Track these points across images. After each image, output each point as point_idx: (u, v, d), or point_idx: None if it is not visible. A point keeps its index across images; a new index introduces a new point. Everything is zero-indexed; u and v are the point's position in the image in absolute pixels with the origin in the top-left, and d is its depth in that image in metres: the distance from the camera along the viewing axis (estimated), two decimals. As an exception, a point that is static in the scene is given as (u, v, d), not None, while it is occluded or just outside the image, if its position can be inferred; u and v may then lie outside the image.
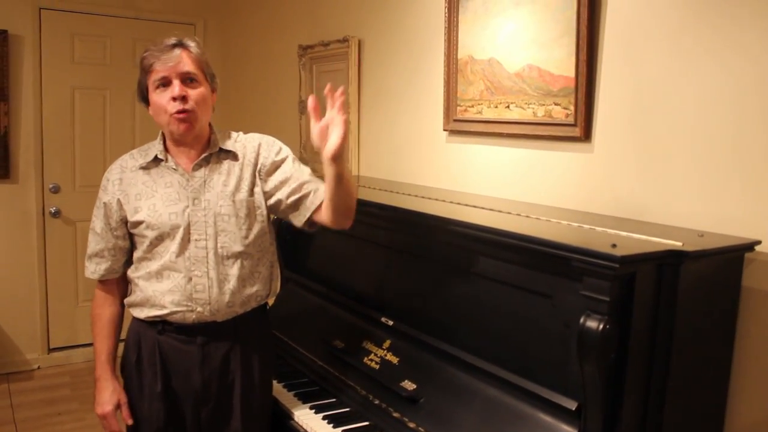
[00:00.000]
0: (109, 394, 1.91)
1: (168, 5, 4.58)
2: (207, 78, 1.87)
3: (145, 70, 1.82)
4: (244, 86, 4.49)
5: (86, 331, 4.52)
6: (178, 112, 1.78)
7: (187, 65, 1.80)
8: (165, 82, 1.79)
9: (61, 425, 3.61)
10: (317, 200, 1.85)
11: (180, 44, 1.82)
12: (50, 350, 4.43)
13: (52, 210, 4.32)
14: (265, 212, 1.92)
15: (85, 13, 4.32)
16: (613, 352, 1.41)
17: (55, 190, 4.32)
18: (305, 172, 1.91)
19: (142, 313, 1.88)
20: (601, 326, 1.37)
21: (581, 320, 1.40)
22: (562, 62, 2.09)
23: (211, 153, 1.88)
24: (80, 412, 3.76)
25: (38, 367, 4.37)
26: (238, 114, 4.52)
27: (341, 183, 1.72)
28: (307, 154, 3.73)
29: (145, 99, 1.87)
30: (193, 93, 1.80)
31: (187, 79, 1.80)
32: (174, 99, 1.78)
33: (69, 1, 4.25)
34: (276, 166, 1.91)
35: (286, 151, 1.96)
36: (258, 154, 1.92)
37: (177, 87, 1.78)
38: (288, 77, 3.89)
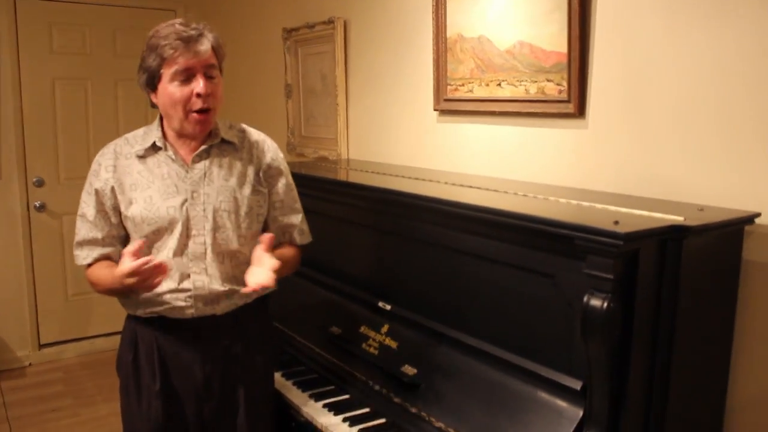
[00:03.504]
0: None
1: (147, -9, 4.49)
2: (221, 69, 1.78)
3: (162, 57, 1.67)
4: (229, 72, 4.39)
5: (77, 326, 4.49)
6: (200, 111, 1.70)
7: (212, 58, 1.71)
8: (188, 76, 1.68)
9: (56, 422, 3.57)
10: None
11: (203, 34, 1.70)
12: (41, 346, 4.38)
13: (37, 204, 4.25)
14: (265, 212, 1.88)
15: (63, 1, 4.21)
16: (617, 330, 1.40)
17: (39, 183, 4.25)
18: (293, 197, 1.96)
19: (138, 310, 1.81)
20: (605, 304, 1.35)
21: (585, 299, 1.38)
22: (554, 38, 2.05)
23: (212, 144, 1.80)
24: (74, 407, 3.73)
25: (30, 364, 4.32)
26: (227, 100, 4.44)
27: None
28: (295, 139, 3.69)
29: (151, 85, 1.73)
30: (216, 89, 1.72)
31: (209, 74, 1.71)
32: (198, 95, 1.68)
33: (45, -11, 4.15)
34: (276, 178, 1.91)
35: (285, 164, 1.96)
36: (263, 153, 1.88)
37: (202, 83, 1.68)
38: (273, 62, 3.82)
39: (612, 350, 1.40)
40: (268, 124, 3.93)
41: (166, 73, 1.69)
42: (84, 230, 1.82)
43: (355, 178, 2.45)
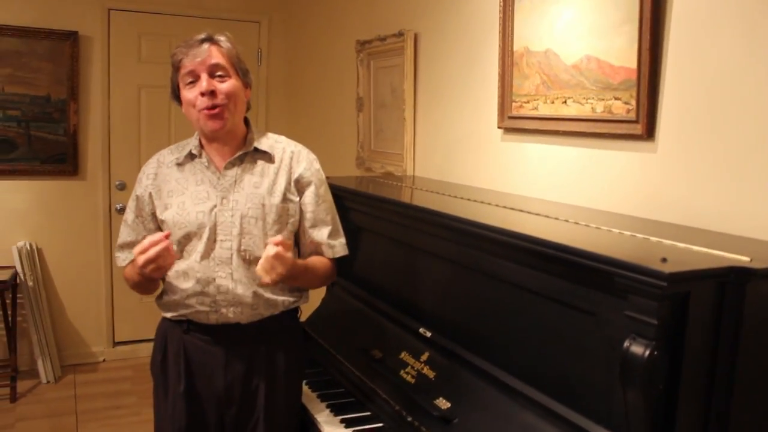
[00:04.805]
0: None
1: (233, 3, 4.59)
2: (238, 72, 1.82)
3: (175, 67, 1.80)
4: (307, 84, 4.43)
5: (150, 326, 4.59)
6: (208, 108, 1.74)
7: (216, 58, 1.76)
8: (194, 78, 1.76)
9: (118, 419, 3.67)
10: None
11: (209, 39, 1.79)
12: (115, 344, 4.54)
13: (118, 207, 4.42)
14: (297, 221, 1.87)
15: (152, 12, 4.39)
16: (662, 383, 1.22)
17: (121, 187, 4.42)
18: (324, 210, 1.92)
19: (169, 312, 1.87)
20: (647, 352, 1.19)
21: (625, 344, 1.22)
22: (623, 52, 1.88)
23: (246, 152, 1.84)
24: (137, 406, 3.82)
25: (103, 360, 4.48)
26: (301, 112, 4.47)
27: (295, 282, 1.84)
28: (364, 153, 3.63)
29: (177, 97, 1.84)
30: (223, 86, 1.76)
31: (216, 74, 1.76)
32: (202, 94, 1.74)
33: (136, 1, 4.33)
34: (307, 188, 1.88)
35: (321, 176, 1.93)
36: (297, 163, 1.88)
37: (205, 81, 1.74)
38: (347, 74, 3.80)
39: (653, 404, 1.22)
40: (339, 138, 3.91)
41: (180, 79, 1.78)
42: (124, 234, 1.91)
43: (413, 197, 2.36)
